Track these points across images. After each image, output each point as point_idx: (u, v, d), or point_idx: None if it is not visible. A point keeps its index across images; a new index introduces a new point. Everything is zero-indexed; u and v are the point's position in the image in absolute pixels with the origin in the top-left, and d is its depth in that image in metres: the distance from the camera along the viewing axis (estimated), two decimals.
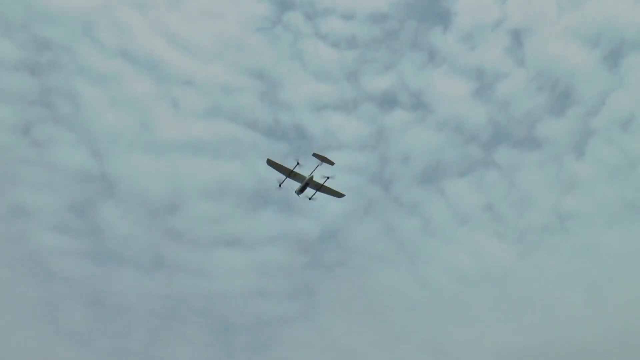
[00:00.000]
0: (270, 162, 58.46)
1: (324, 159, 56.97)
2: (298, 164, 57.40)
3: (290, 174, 58.22)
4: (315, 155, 56.88)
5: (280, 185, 59.05)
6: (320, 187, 59.39)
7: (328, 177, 58.50)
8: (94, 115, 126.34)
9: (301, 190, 59.84)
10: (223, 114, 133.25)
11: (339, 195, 63.44)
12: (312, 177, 58.22)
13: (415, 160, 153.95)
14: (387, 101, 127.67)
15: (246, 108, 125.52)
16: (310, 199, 60.26)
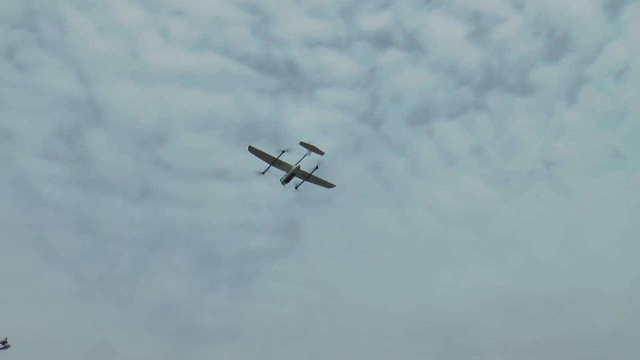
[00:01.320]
0: (252, 150, 54.33)
1: (312, 148, 53.65)
2: (283, 152, 53.84)
3: (274, 162, 54.40)
4: (302, 144, 53.28)
5: (263, 173, 55.41)
6: (307, 177, 55.85)
7: (317, 167, 55.36)
8: (81, 40, 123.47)
9: (286, 180, 56.16)
10: (213, 46, 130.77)
11: (328, 185, 59.93)
12: (299, 166, 54.99)
13: (406, 101, 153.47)
14: (381, 40, 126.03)
15: (237, 41, 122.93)
16: (296, 188, 57.21)
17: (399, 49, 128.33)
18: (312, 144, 53.52)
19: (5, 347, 53.58)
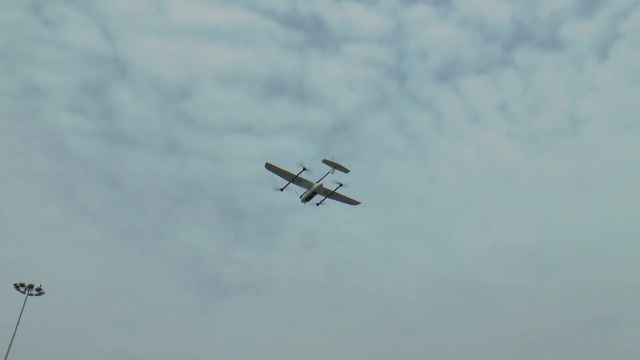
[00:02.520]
0: (269, 167, 49.36)
1: (336, 166, 49.20)
2: (304, 169, 49.16)
3: (294, 179, 49.98)
4: (325, 162, 49.00)
5: (281, 190, 50.93)
6: (331, 194, 51.40)
7: (341, 184, 50.91)
8: None
9: (307, 199, 51.83)
10: (239, 0, 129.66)
11: (353, 202, 55.27)
12: (322, 184, 50.68)
13: (432, 57, 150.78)
14: None
15: None
16: (318, 204, 52.88)
17: (426, 4, 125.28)
18: (335, 161, 49.11)
19: (40, 294, 55.86)
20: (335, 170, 49.52)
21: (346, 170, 50.28)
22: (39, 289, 55.52)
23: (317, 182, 50.58)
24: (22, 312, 53.87)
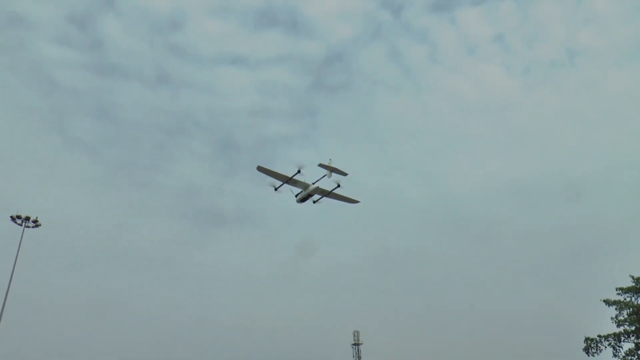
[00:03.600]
0: (261, 170, 47.70)
1: (334, 170, 48.03)
2: (299, 171, 47.99)
3: (289, 180, 48.60)
4: (322, 165, 47.47)
5: (276, 189, 49.37)
6: (328, 194, 50.25)
7: (338, 185, 49.70)
8: None
9: (303, 200, 50.57)
10: None
11: (352, 201, 54.03)
12: (318, 187, 49.35)
13: None
14: None
15: None
16: (314, 202, 51.41)
17: None
18: (332, 165, 47.48)
19: (36, 226, 56.53)
20: (333, 173, 48.19)
21: (344, 174, 48.62)
22: (35, 221, 56.20)
23: (313, 184, 48.98)
24: (20, 243, 54.57)
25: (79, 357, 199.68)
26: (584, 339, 67.32)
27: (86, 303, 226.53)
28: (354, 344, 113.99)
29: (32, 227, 56.16)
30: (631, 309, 63.57)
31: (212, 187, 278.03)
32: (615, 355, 66.26)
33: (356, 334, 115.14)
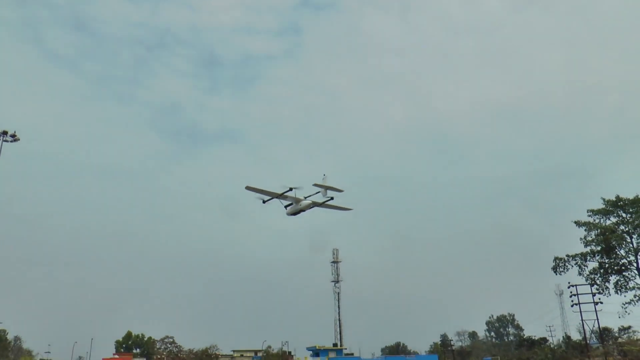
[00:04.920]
0: (250, 189, 45.78)
1: (329, 188, 46.66)
2: (290, 189, 46.47)
3: (280, 196, 47.11)
4: (317, 185, 46.23)
5: (264, 202, 47.53)
6: (321, 205, 48.74)
7: (332, 198, 48.14)
8: None
9: (294, 214, 48.99)
10: None
11: (344, 209, 53.33)
12: (310, 203, 47.78)
13: None
14: None
15: None
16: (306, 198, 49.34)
17: None
18: (326, 183, 46.29)
19: (15, 140, 55.92)
20: (328, 190, 46.64)
21: (339, 190, 47.49)
22: (13, 136, 55.54)
23: (305, 199, 47.40)
24: None
25: (52, 265, 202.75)
26: (553, 258, 70.16)
27: (64, 214, 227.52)
28: (333, 262, 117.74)
29: (11, 141, 55.60)
30: (599, 230, 65.93)
31: (194, 103, 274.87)
32: (580, 274, 69.44)
33: (335, 252, 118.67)
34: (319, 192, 46.25)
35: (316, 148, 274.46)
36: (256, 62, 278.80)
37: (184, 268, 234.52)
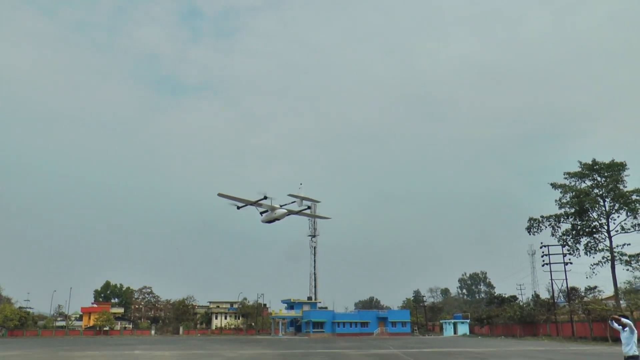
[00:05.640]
0: (223, 196, 44.59)
1: (305, 199, 46.39)
2: (265, 198, 45.30)
3: (254, 204, 46.01)
4: (291, 195, 45.76)
5: (238, 208, 46.35)
6: (297, 213, 48.39)
7: (309, 207, 48.57)
8: None
9: (269, 222, 48.25)
10: None
11: (322, 217, 55.77)
12: (286, 211, 47.16)
13: None
14: None
15: None
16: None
17: None
18: (301, 194, 45.82)
19: None
20: (304, 201, 46.11)
21: (316, 201, 47.74)
22: None
23: (281, 207, 46.34)
24: None
25: (31, 216, 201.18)
26: (527, 219, 71.57)
27: (41, 163, 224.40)
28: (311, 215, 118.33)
29: None
30: (574, 193, 67.22)
31: (175, 54, 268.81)
32: (553, 235, 71.15)
33: (313, 206, 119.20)
34: (294, 201, 45.78)
35: (297, 105, 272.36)
36: (238, 14, 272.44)
37: (163, 220, 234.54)
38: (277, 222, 47.90)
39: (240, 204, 45.66)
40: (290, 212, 46.89)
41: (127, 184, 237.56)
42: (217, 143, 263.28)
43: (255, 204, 45.53)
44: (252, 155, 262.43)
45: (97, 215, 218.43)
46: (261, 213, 47.57)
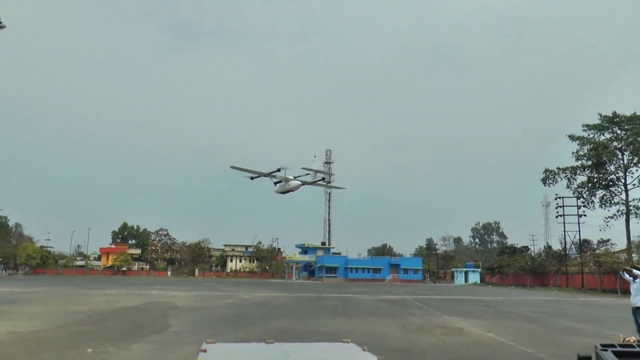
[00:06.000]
0: (235, 168, 46.01)
1: (318, 171, 47.90)
2: (279, 170, 46.42)
3: (268, 175, 47.15)
4: (305, 169, 46.85)
5: (252, 179, 47.60)
6: (312, 183, 49.29)
7: (323, 179, 49.82)
8: None
9: (283, 193, 49.37)
10: None
11: (336, 187, 57.02)
12: (300, 182, 47.88)
13: None
14: None
15: None
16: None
17: None
18: (314, 167, 47.36)
19: (1, 27, 54.07)
20: (317, 174, 47.38)
21: (330, 174, 49.40)
22: None
23: (295, 179, 47.13)
24: None
25: (51, 157, 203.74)
26: (543, 170, 71.18)
27: (58, 104, 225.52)
28: (326, 162, 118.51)
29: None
30: (592, 145, 66.43)
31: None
32: (568, 187, 70.84)
33: (328, 152, 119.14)
34: (308, 174, 47.12)
35: (314, 54, 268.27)
36: None
37: (180, 163, 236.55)
38: (291, 192, 50.13)
39: (254, 175, 47.19)
40: (304, 183, 48.43)
41: (144, 125, 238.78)
42: (232, 89, 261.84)
43: (269, 175, 47.07)
44: (267, 103, 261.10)
45: (114, 156, 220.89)
46: (275, 183, 49.49)
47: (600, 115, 66.91)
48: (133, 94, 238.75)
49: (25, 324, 16.17)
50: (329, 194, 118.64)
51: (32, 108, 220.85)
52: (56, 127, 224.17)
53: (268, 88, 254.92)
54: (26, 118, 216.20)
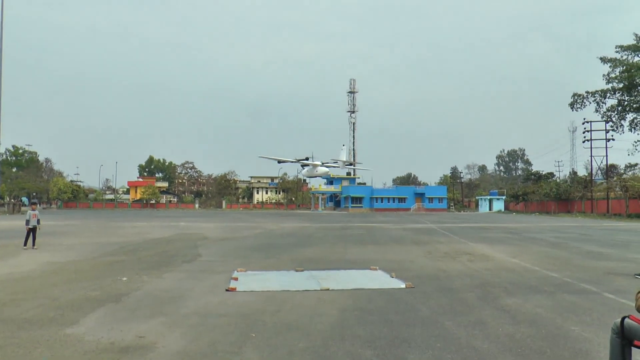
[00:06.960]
0: (265, 157, 51.34)
1: (346, 163, 50.46)
2: (307, 159, 49.98)
3: (296, 162, 51.10)
4: (334, 160, 51.96)
5: (279, 162, 51.70)
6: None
7: (351, 164, 48.55)
8: None
9: (310, 177, 54.10)
10: None
11: (364, 169, 58.84)
12: (328, 171, 52.45)
13: None
14: None
15: None
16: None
17: None
18: (342, 157, 51.98)
19: None
20: (345, 165, 52.53)
21: (357, 163, 52.63)
22: None
23: (323, 165, 51.77)
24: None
25: (76, 92, 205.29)
26: (571, 94, 69.23)
27: (92, 35, 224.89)
28: (350, 92, 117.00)
29: None
30: (624, 67, 64.06)
31: None
32: (597, 111, 68.91)
33: (352, 82, 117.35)
34: (336, 162, 51.23)
35: None
36: None
37: (205, 97, 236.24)
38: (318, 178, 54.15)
39: (282, 160, 51.30)
40: (329, 169, 52.70)
41: (171, 60, 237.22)
42: (255, 18, 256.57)
43: (297, 162, 51.45)
44: (289, 29, 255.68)
45: (140, 91, 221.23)
46: (302, 166, 53.72)
47: (636, 35, 64.07)
48: (158, 28, 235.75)
49: (63, 254, 16.83)
50: (353, 123, 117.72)
51: (54, 42, 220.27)
52: (78, 62, 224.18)
53: (288, 14, 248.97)
54: (46, 53, 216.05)
